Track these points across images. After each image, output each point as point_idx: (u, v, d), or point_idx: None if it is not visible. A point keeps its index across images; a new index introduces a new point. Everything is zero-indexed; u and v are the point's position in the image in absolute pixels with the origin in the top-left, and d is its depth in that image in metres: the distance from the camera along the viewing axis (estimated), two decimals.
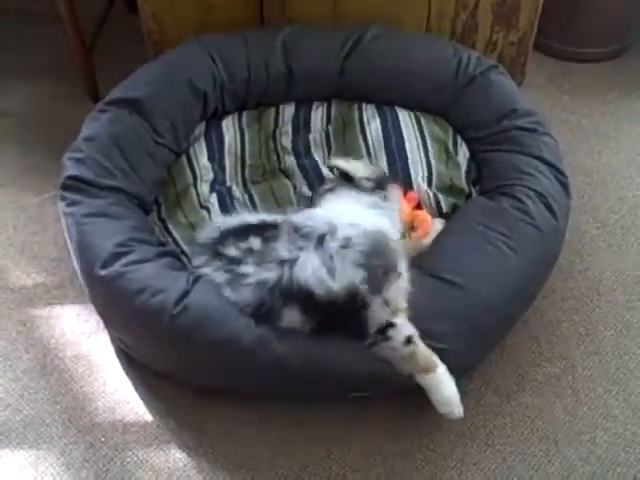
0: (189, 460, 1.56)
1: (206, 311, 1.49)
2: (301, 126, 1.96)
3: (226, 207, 1.78)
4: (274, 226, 1.54)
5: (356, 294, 1.43)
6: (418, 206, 1.77)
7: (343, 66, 1.97)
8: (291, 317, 1.46)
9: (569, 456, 1.56)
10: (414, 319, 1.48)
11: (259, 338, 1.47)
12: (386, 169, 1.81)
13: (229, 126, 1.95)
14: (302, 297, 1.44)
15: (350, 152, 1.87)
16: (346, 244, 1.46)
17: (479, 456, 1.56)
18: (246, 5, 2.09)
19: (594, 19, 2.40)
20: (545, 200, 1.68)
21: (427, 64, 1.96)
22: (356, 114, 1.94)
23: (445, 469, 1.54)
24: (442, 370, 1.47)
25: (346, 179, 1.71)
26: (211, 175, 1.85)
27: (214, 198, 1.80)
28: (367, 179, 1.68)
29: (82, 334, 1.77)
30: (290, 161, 1.89)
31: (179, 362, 1.60)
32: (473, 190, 1.83)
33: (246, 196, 1.82)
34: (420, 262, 1.59)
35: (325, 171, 1.84)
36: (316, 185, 1.81)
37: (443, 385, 1.47)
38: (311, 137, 1.93)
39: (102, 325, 1.73)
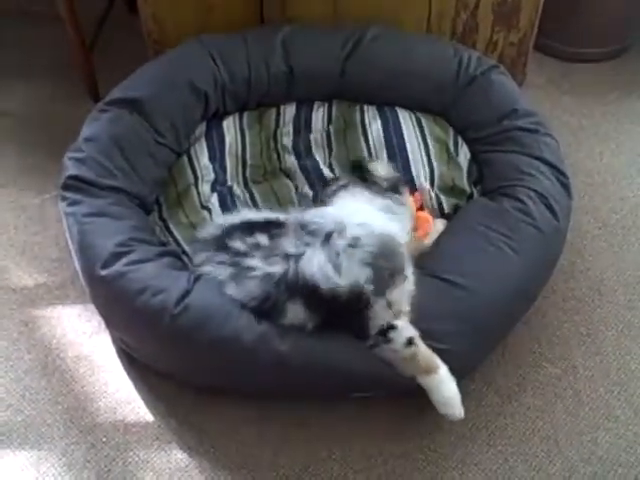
0: (190, 460, 1.56)
1: (207, 310, 1.49)
2: (302, 126, 1.96)
3: (227, 207, 1.78)
4: (279, 224, 1.55)
5: (360, 293, 1.43)
6: (420, 207, 1.77)
7: (344, 67, 1.97)
8: (295, 312, 1.46)
9: (570, 457, 1.56)
10: (416, 319, 1.48)
11: (261, 337, 1.47)
12: None
13: (230, 126, 1.95)
14: (307, 292, 1.44)
15: (351, 153, 1.87)
16: (354, 243, 1.46)
17: (480, 457, 1.56)
18: (246, 5, 2.09)
19: (594, 19, 2.40)
20: (546, 201, 1.68)
21: (427, 64, 1.96)
22: (357, 115, 1.94)
23: (446, 470, 1.54)
24: (443, 371, 1.47)
25: (361, 178, 1.71)
26: (212, 175, 1.85)
27: (215, 198, 1.80)
28: (384, 179, 1.69)
29: (83, 334, 1.77)
30: (291, 161, 1.89)
31: (180, 362, 1.60)
32: (474, 191, 1.83)
33: (247, 196, 1.82)
34: (422, 262, 1.59)
35: (326, 171, 1.84)
36: (317, 185, 1.82)
37: (444, 386, 1.47)
38: (312, 137, 1.93)
39: (103, 325, 1.73)
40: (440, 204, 1.79)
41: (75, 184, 1.69)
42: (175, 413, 1.62)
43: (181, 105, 1.88)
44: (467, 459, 1.55)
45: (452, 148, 1.89)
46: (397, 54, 1.97)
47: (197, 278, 1.55)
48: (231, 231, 1.57)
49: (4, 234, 1.99)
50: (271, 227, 1.54)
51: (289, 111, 1.99)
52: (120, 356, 1.72)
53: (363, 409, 1.62)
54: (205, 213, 1.77)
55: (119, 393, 1.66)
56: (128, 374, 1.69)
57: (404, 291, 1.48)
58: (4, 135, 2.28)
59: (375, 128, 1.89)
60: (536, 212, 1.66)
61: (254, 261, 1.49)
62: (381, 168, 1.75)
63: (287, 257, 1.46)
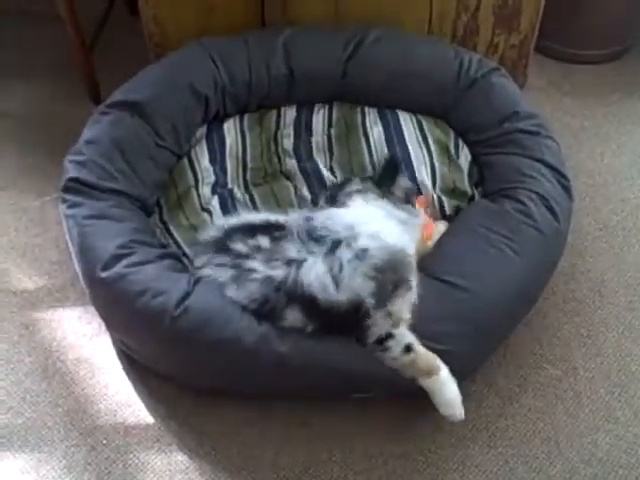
0: (191, 462, 1.55)
1: (207, 312, 1.49)
2: (303, 129, 1.95)
3: (227, 209, 1.78)
4: (279, 226, 1.54)
5: (360, 305, 1.43)
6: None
7: (345, 68, 1.97)
8: (293, 317, 1.46)
9: (571, 458, 1.56)
10: (418, 321, 1.48)
11: (261, 338, 1.47)
12: None
13: (230, 129, 1.95)
14: (305, 300, 1.44)
15: (353, 155, 1.87)
16: (361, 256, 1.45)
17: (481, 458, 1.56)
18: (247, 7, 2.09)
19: (595, 20, 2.40)
20: (547, 203, 1.68)
21: (428, 66, 1.96)
22: (358, 117, 1.94)
23: (447, 471, 1.54)
24: (444, 373, 1.47)
25: (377, 184, 1.69)
26: (212, 177, 1.85)
27: (215, 200, 1.80)
28: (404, 189, 1.68)
29: (84, 336, 1.77)
30: (291, 164, 1.88)
31: (180, 364, 1.60)
32: (476, 193, 1.83)
33: (247, 198, 1.82)
34: (423, 264, 1.59)
35: (327, 174, 1.84)
36: (317, 188, 1.81)
37: (445, 387, 1.47)
38: (313, 140, 1.92)
39: (103, 327, 1.74)
40: (442, 206, 1.79)
41: (76, 186, 1.69)
42: (175, 415, 1.62)
43: (182, 108, 1.88)
44: (467, 460, 1.55)
45: (453, 150, 1.89)
46: (398, 56, 1.97)
47: (197, 280, 1.55)
48: (232, 233, 1.57)
49: (4, 236, 1.99)
50: (272, 229, 1.54)
51: (290, 113, 1.99)
52: (120, 358, 1.72)
53: (363, 410, 1.62)
54: (205, 215, 1.77)
55: (119, 395, 1.66)
56: (128, 376, 1.69)
57: (406, 300, 1.48)
58: (4, 136, 2.28)
59: (376, 131, 1.89)
60: (537, 214, 1.66)
61: (255, 263, 1.49)
62: (402, 180, 1.72)
63: (289, 262, 1.46)
